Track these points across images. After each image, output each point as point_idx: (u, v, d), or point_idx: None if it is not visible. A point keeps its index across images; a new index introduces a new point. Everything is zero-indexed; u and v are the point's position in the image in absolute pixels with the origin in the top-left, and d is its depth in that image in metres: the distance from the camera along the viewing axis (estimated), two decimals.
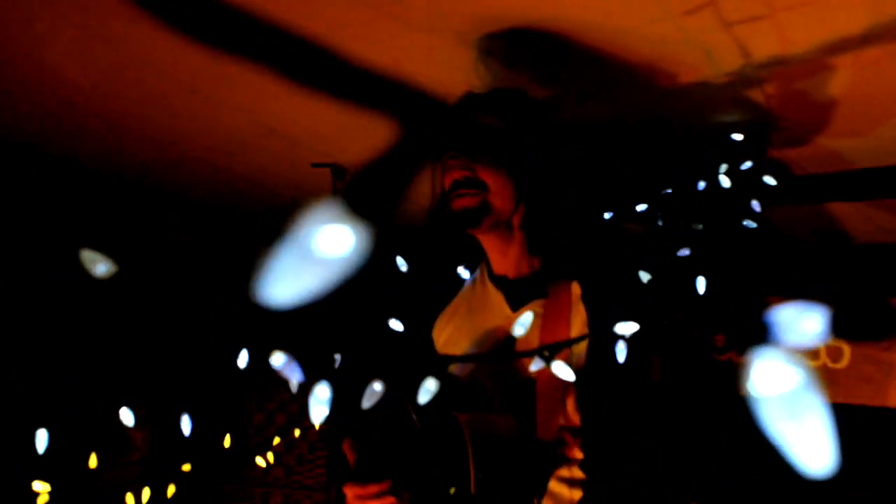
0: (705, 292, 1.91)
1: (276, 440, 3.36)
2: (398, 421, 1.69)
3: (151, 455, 3.99)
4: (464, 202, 1.82)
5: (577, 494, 1.61)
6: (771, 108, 2.16)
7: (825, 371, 2.40)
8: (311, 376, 1.79)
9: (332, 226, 0.61)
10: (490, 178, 1.82)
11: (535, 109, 1.97)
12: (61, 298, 3.42)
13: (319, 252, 0.61)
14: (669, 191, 2.30)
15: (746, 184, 2.24)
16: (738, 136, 2.27)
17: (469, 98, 1.94)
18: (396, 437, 1.69)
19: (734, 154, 2.29)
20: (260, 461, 3.22)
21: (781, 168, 2.47)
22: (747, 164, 2.26)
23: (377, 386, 1.16)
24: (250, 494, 4.06)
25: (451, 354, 1.88)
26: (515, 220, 1.87)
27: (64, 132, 2.89)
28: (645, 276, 1.65)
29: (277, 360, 1.02)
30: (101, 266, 0.78)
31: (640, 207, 2.15)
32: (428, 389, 1.19)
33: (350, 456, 1.73)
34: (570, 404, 1.70)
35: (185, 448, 3.59)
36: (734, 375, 2.38)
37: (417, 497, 1.68)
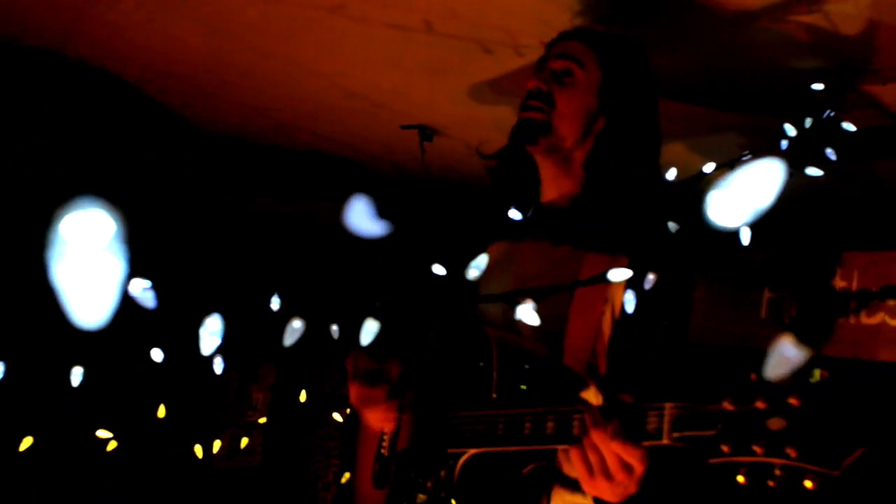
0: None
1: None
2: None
3: (269, 416, 4.18)
4: (529, 114, 1.87)
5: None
6: (851, 44, 2.03)
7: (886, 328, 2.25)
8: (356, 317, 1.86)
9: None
10: (563, 101, 1.86)
11: (629, 51, 1.97)
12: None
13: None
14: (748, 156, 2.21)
15: (825, 133, 2.12)
16: (818, 86, 2.15)
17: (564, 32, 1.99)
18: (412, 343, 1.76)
19: (815, 103, 2.18)
20: (337, 416, 3.32)
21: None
22: (827, 113, 2.14)
23: (297, 324, 1.19)
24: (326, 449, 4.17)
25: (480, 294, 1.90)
26: (578, 156, 1.87)
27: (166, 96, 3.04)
28: (673, 226, 1.62)
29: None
30: None
31: (708, 168, 2.09)
32: (369, 331, 1.22)
33: (352, 365, 1.80)
34: (603, 341, 1.69)
35: (300, 410, 3.75)
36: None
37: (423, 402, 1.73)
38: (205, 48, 2.58)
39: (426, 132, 3.16)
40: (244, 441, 3.12)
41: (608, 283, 1.51)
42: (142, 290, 0.99)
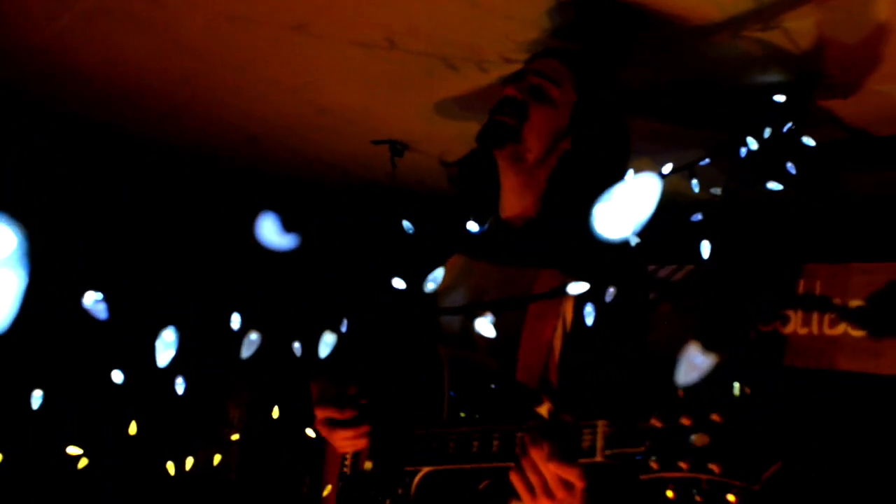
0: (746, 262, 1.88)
1: None
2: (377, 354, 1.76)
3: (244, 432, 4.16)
4: (501, 117, 1.91)
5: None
6: (808, 59, 2.05)
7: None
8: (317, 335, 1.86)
9: None
10: (536, 115, 1.90)
11: (603, 73, 2.03)
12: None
13: None
14: (707, 161, 2.23)
15: (784, 146, 2.15)
16: (779, 97, 2.18)
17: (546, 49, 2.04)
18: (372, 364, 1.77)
19: (775, 116, 2.20)
20: (310, 433, 3.30)
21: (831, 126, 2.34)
22: (787, 126, 2.17)
23: (254, 336, 1.20)
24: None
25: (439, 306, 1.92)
26: (541, 172, 1.91)
27: (128, 115, 3.05)
28: (634, 240, 1.64)
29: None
30: None
31: (666, 170, 2.11)
32: (326, 343, 1.23)
33: (316, 389, 1.81)
34: (555, 356, 1.71)
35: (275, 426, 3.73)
36: (776, 345, 2.30)
37: (382, 423, 1.75)
38: (172, 66, 2.59)
39: (397, 147, 3.17)
40: (217, 458, 3.11)
41: (567, 296, 1.53)
42: (93, 301, 1.01)
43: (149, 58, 2.54)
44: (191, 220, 3.89)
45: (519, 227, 1.92)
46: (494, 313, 1.43)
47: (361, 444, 1.86)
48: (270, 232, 0.71)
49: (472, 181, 2.05)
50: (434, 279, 1.45)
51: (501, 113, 1.91)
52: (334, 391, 1.90)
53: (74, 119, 3.15)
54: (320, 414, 1.88)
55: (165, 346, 1.14)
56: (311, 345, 1.92)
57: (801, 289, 2.30)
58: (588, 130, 1.91)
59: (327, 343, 1.26)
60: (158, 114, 3.04)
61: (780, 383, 2.13)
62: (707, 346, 0.99)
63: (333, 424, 1.87)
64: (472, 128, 2.49)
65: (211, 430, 3.98)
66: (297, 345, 1.88)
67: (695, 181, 2.11)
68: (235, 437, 3.36)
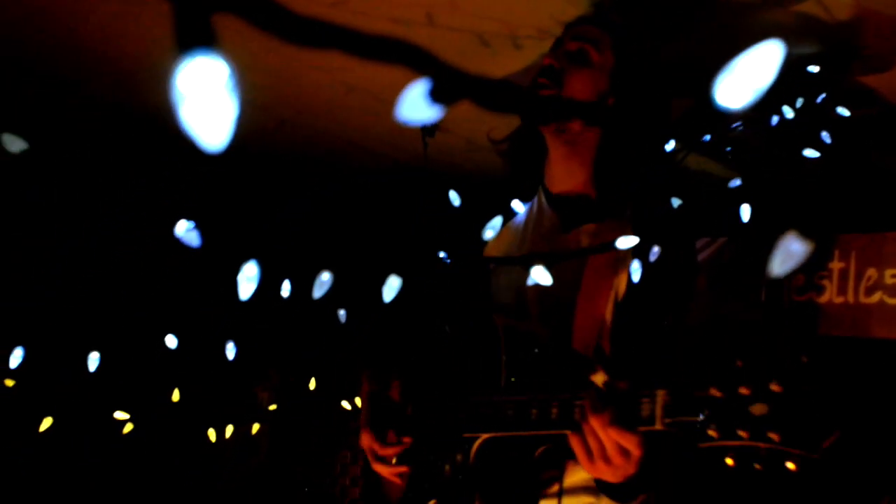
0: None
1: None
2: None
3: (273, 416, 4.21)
4: (540, 91, 1.90)
5: None
6: (844, 30, 2.07)
7: None
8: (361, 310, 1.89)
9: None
10: (575, 81, 1.89)
11: (643, 39, 2.02)
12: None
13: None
14: (739, 124, 2.25)
15: (819, 116, 2.16)
16: (814, 68, 2.19)
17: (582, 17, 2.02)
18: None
19: (809, 86, 2.21)
20: (345, 405, 3.36)
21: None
22: (822, 97, 2.18)
23: (325, 276, 1.23)
24: (352, 442, 4.22)
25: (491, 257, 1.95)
26: (588, 138, 1.90)
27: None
28: (676, 202, 1.66)
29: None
30: (16, 144, 0.87)
31: (706, 138, 2.12)
32: (392, 286, 1.26)
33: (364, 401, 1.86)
34: (607, 330, 1.75)
35: (305, 405, 3.78)
36: (811, 315, 2.32)
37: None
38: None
39: (428, 127, 3.19)
40: (255, 427, 3.16)
41: (616, 250, 1.56)
42: (186, 229, 1.04)
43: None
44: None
45: (571, 199, 1.93)
46: (547, 266, 1.46)
47: (399, 481, 1.92)
48: (416, 104, 0.74)
49: (522, 156, 2.06)
50: (493, 227, 1.48)
51: (541, 86, 1.91)
52: (379, 397, 1.94)
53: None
54: (365, 440, 1.93)
55: (248, 280, 1.17)
56: (356, 315, 1.96)
57: (835, 258, 2.31)
58: (630, 93, 1.90)
59: (392, 287, 1.28)
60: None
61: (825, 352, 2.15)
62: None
63: (375, 458, 1.93)
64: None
65: (248, 401, 4.04)
66: (341, 312, 1.93)
67: (728, 149, 2.13)
68: (273, 407, 3.40)
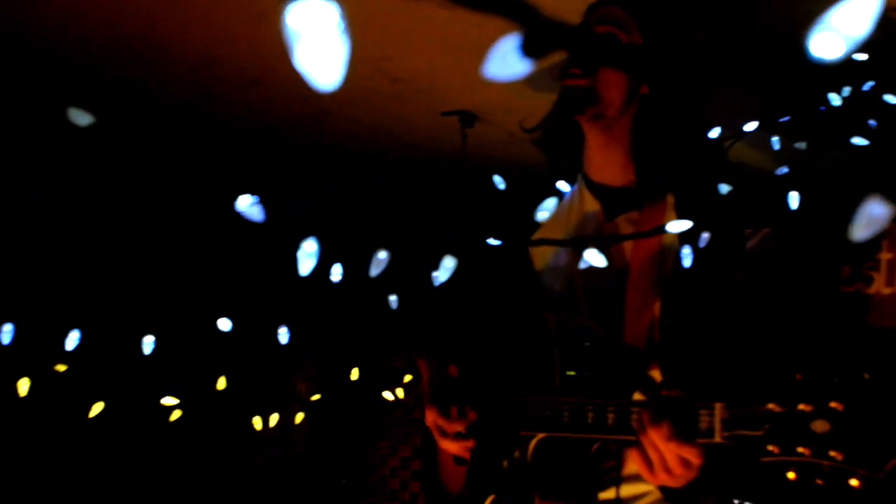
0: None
1: (408, 377, 3.50)
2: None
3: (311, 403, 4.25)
4: (573, 81, 1.86)
5: None
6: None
7: None
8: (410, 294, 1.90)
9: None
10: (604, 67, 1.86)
11: (668, 17, 1.98)
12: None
13: None
14: (787, 119, 2.24)
15: (867, 104, 2.14)
16: (861, 56, 2.17)
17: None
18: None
19: (857, 74, 2.19)
20: (387, 395, 3.37)
21: None
22: (869, 84, 2.16)
23: (382, 254, 1.24)
24: (393, 433, 4.25)
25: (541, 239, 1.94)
26: (624, 122, 1.88)
27: (207, 89, 3.10)
28: (724, 188, 1.65)
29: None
30: (83, 119, 0.89)
31: (750, 127, 2.10)
32: (446, 267, 1.27)
33: (423, 370, 1.86)
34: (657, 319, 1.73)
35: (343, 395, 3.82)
36: (860, 306, 2.30)
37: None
38: (246, 34, 2.63)
39: (467, 118, 3.19)
40: (299, 416, 3.19)
41: (665, 233, 1.55)
42: (248, 204, 1.05)
43: (223, 25, 2.60)
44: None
45: (612, 187, 1.92)
46: (602, 249, 1.45)
47: (467, 455, 1.90)
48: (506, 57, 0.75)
49: (558, 144, 2.04)
50: (546, 208, 1.47)
51: (572, 77, 1.87)
52: (439, 379, 1.94)
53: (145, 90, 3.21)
54: (430, 417, 1.92)
55: (307, 256, 1.18)
56: (407, 300, 1.97)
57: (884, 249, 2.29)
58: (662, 72, 1.87)
59: (447, 268, 1.29)
60: (233, 85, 3.08)
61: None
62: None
63: (441, 434, 1.91)
64: (548, 98, 2.53)
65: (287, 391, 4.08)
66: (392, 298, 1.94)
67: (775, 138, 2.11)
68: (316, 397, 3.43)
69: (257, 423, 2.42)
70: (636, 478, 1.74)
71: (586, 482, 1.73)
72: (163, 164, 3.71)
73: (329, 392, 3.64)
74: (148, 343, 1.71)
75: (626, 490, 1.75)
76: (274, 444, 3.95)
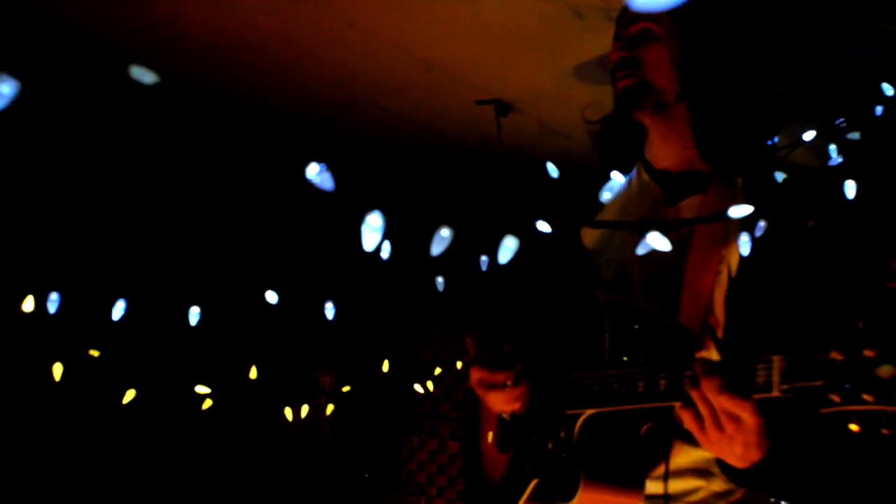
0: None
1: (437, 370, 3.49)
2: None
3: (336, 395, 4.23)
4: (623, 83, 1.87)
5: None
6: None
7: None
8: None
9: None
10: (649, 57, 1.85)
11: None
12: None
13: None
14: (842, 121, 2.19)
15: None
16: None
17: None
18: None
19: None
20: (418, 388, 3.35)
21: None
22: None
23: (444, 232, 1.20)
24: (421, 427, 4.23)
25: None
26: (682, 107, 1.85)
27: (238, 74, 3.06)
28: (780, 176, 1.61)
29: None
30: (148, 77, 0.85)
31: (809, 136, 2.07)
32: (507, 248, 1.23)
33: (471, 345, 1.82)
34: (719, 300, 1.69)
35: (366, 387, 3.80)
36: None
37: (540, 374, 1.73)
38: (278, 22, 2.59)
39: (502, 107, 3.15)
40: (329, 407, 3.17)
41: (728, 219, 1.52)
42: (317, 173, 1.01)
43: (254, 13, 2.55)
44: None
45: (674, 173, 1.89)
46: (664, 232, 1.41)
47: (516, 405, 1.85)
48: None
49: (618, 138, 2.02)
50: (610, 188, 1.44)
51: (621, 78, 1.88)
52: (488, 351, 1.89)
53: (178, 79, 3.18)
54: (474, 375, 1.88)
55: (371, 230, 1.14)
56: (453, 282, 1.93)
57: None
58: (704, 49, 1.84)
59: (508, 248, 1.25)
60: (263, 73, 3.05)
61: None
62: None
63: (487, 387, 1.86)
64: (590, 90, 2.48)
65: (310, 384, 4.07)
66: (439, 279, 1.90)
67: (833, 146, 2.07)
68: (346, 388, 3.41)
69: (288, 413, 2.40)
70: (685, 472, 1.71)
71: (633, 465, 1.68)
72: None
73: (358, 384, 3.63)
74: (193, 314, 1.68)
75: (675, 486, 1.69)
76: (297, 438, 3.94)
